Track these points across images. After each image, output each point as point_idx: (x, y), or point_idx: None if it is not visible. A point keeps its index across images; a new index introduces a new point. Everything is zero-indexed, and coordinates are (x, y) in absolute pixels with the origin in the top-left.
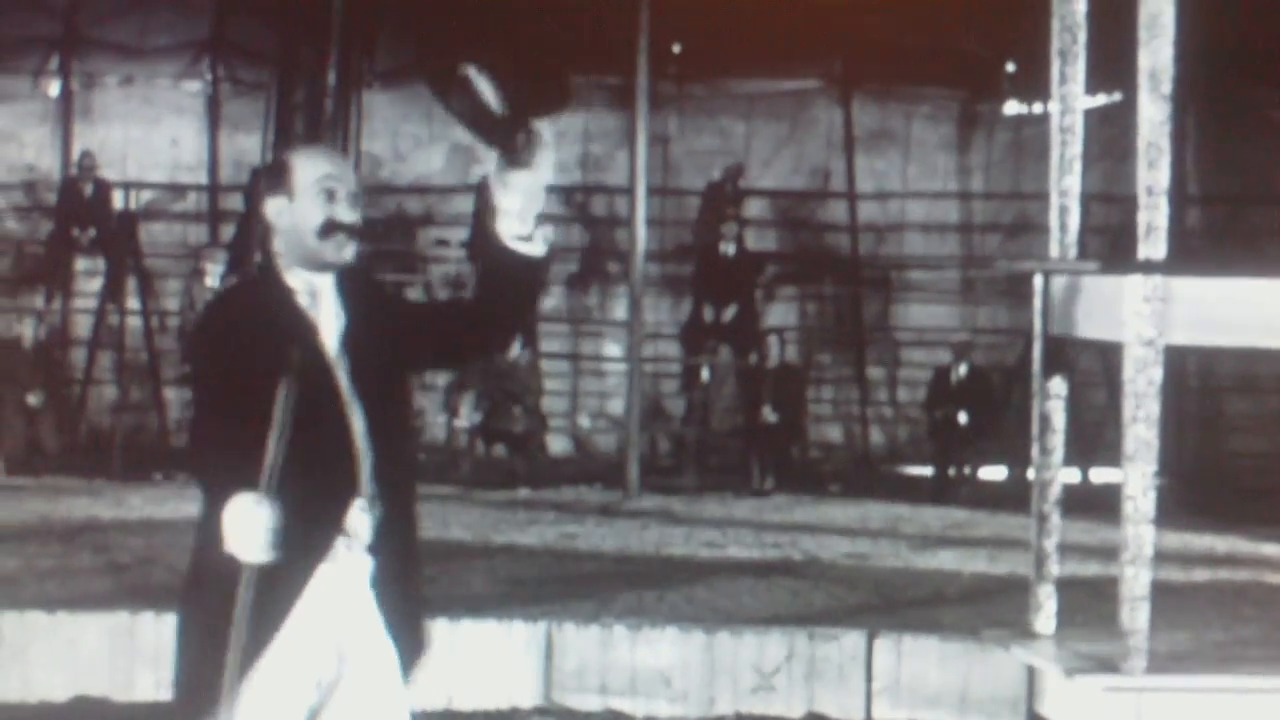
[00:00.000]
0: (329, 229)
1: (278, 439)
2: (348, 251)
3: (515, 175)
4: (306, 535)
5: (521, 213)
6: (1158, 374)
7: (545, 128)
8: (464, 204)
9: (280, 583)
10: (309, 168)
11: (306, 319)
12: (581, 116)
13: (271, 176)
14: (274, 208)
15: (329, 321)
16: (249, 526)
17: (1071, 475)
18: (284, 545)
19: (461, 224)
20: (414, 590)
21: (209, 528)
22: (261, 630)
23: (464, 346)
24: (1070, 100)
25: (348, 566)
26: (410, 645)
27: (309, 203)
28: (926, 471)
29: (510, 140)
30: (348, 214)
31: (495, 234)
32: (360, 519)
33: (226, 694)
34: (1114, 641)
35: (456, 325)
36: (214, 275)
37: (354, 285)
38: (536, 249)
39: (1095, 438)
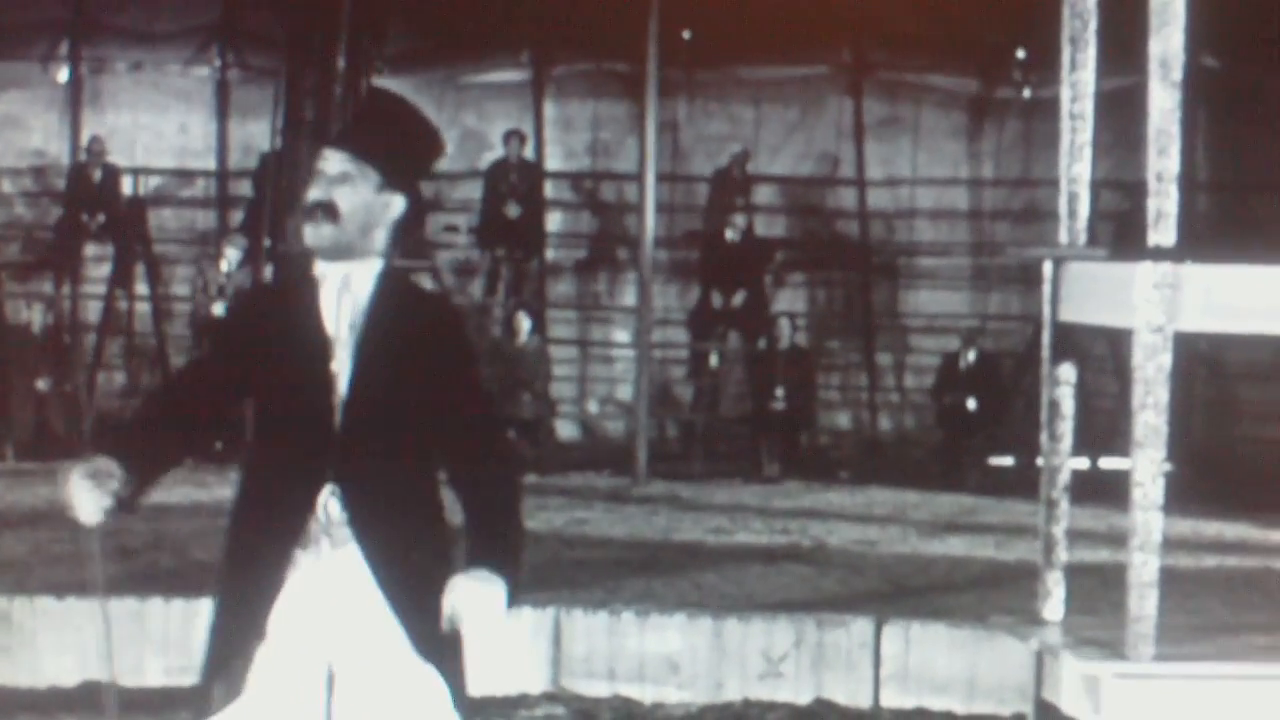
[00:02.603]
0: (305, 210)
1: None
2: (312, 235)
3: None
4: (275, 515)
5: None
6: (1167, 360)
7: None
8: (473, 190)
9: (257, 567)
10: None
11: (312, 302)
12: (591, 103)
13: None
14: None
15: (344, 309)
16: None
17: (1081, 462)
18: (254, 526)
19: (470, 210)
20: (419, 574)
21: (234, 506)
22: (244, 616)
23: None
24: (1081, 87)
25: (329, 551)
26: (423, 631)
27: None
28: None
29: None
30: (318, 194)
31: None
32: (332, 503)
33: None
34: (1122, 628)
35: (456, 474)
36: (230, 260)
37: (409, 299)
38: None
39: (1108, 426)
